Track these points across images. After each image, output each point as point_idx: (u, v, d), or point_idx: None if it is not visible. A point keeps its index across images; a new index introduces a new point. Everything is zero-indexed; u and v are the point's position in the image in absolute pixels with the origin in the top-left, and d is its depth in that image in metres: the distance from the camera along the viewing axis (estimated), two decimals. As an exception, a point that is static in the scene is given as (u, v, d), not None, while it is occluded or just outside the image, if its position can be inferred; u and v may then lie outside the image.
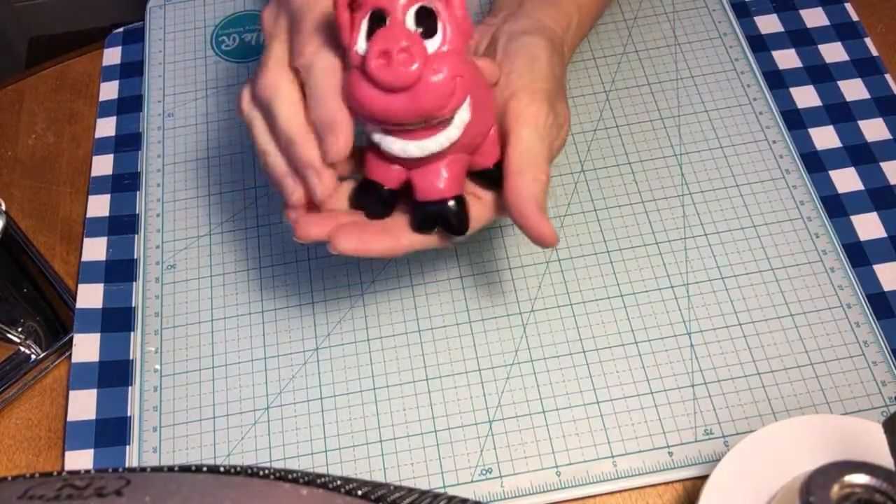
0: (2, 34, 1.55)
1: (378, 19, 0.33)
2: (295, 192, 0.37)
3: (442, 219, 0.37)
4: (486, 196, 0.39)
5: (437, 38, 0.33)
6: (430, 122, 0.34)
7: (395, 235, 0.37)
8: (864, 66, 0.55)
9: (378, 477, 0.43)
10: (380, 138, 0.35)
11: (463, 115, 0.34)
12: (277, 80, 0.37)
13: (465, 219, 0.37)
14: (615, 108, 0.54)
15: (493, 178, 0.38)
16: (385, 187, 0.37)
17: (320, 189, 0.36)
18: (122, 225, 0.52)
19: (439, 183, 0.36)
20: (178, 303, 0.49)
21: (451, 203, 0.36)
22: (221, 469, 0.25)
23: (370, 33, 0.33)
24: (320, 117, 0.35)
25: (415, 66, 0.31)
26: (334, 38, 0.36)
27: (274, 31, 0.38)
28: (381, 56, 0.32)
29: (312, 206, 0.38)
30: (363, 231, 0.37)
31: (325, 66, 0.36)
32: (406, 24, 0.32)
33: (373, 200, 0.38)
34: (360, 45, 0.33)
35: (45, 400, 0.47)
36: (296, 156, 0.37)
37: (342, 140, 0.35)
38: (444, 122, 0.34)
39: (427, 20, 0.33)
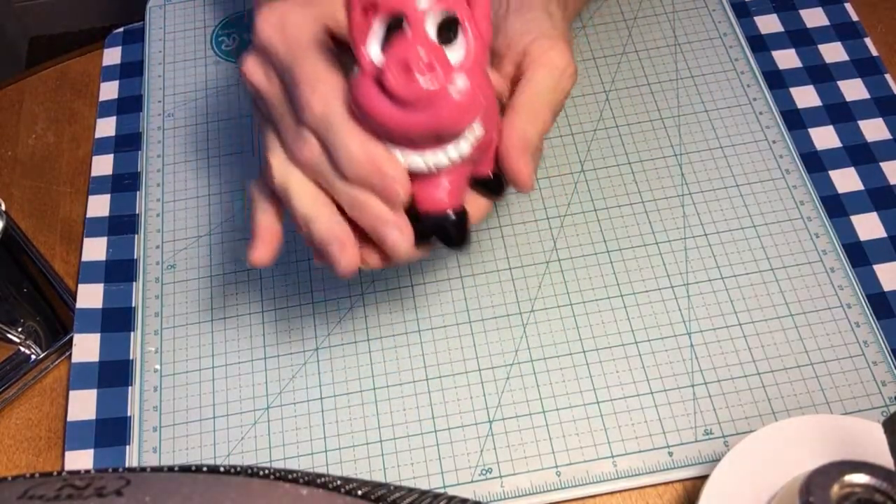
0: (2, 34, 1.55)
1: (396, 25, 0.30)
2: (344, 256, 0.34)
3: (441, 231, 0.35)
4: (482, 200, 0.37)
5: (459, 47, 0.31)
6: (442, 137, 0.32)
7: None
8: (864, 66, 0.55)
9: (378, 477, 0.43)
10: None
11: (476, 130, 0.32)
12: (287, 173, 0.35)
13: (465, 232, 0.35)
14: (615, 108, 0.54)
15: (491, 187, 0.37)
16: None
17: (406, 242, 0.34)
18: (122, 225, 0.52)
19: (441, 195, 0.33)
20: (178, 303, 0.49)
21: (452, 215, 0.34)
22: (221, 469, 0.25)
23: (386, 39, 0.30)
24: (367, 171, 0.33)
25: (436, 82, 0.29)
26: (337, 80, 0.33)
27: (271, 90, 0.36)
28: (401, 69, 0.29)
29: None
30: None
31: (344, 121, 0.33)
32: (427, 33, 0.30)
33: None
34: (374, 51, 0.30)
35: (45, 400, 0.47)
36: (367, 213, 0.34)
37: (401, 181, 0.33)
38: (456, 136, 0.32)
39: (449, 28, 0.30)
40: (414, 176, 0.33)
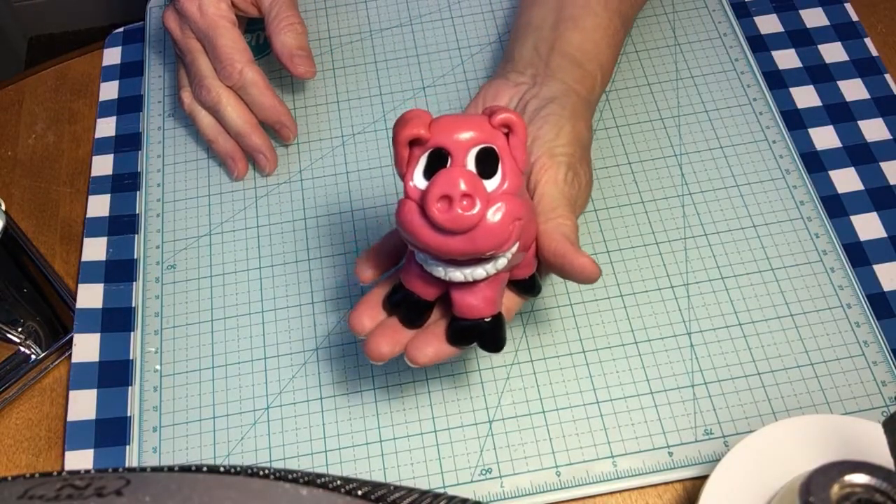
0: (2, 34, 1.55)
1: (439, 157, 0.32)
2: (235, 169, 0.52)
3: (478, 335, 0.36)
4: (516, 298, 0.40)
5: (497, 178, 0.33)
6: (480, 258, 0.34)
7: (437, 343, 0.37)
8: (864, 66, 0.55)
9: (378, 477, 0.43)
10: (424, 259, 0.35)
11: (512, 248, 0.34)
12: (219, 92, 0.50)
13: (501, 337, 0.37)
14: (615, 108, 0.54)
15: (526, 287, 0.39)
16: (422, 299, 0.37)
17: (269, 166, 0.52)
18: (122, 225, 0.52)
19: (478, 302, 0.35)
20: (178, 303, 0.49)
21: (489, 321, 0.36)
22: (221, 469, 0.25)
23: (429, 168, 0.32)
24: (270, 117, 0.52)
25: (475, 211, 0.31)
26: (244, 48, 0.50)
27: (187, 44, 0.51)
28: (443, 200, 0.31)
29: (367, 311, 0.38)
30: (417, 338, 0.37)
31: (255, 82, 0.50)
32: (466, 165, 0.32)
33: (410, 310, 0.37)
34: (418, 179, 0.33)
35: (45, 400, 0.47)
36: (247, 144, 0.51)
37: (294, 128, 0.53)
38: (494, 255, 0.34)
39: (487, 160, 0.32)
40: (454, 284, 0.35)
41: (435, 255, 0.34)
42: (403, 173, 0.33)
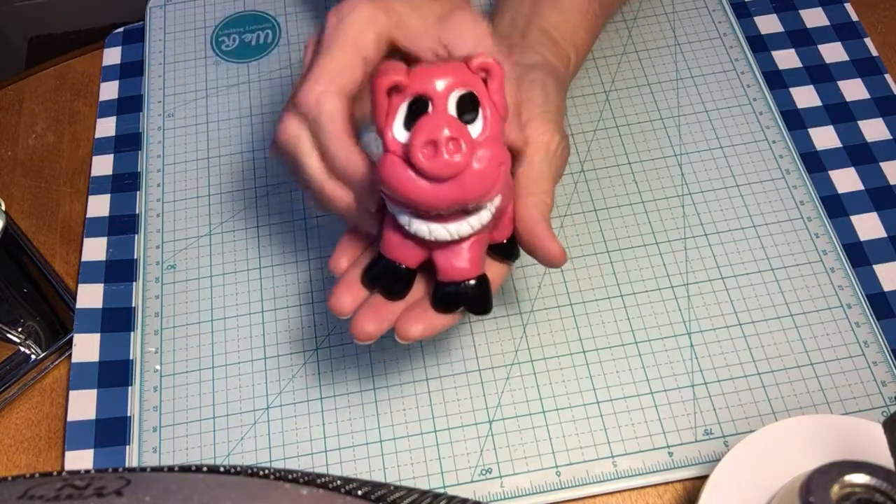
0: (2, 34, 1.55)
1: (419, 105, 0.32)
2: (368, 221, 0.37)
3: (464, 299, 0.35)
4: (500, 265, 0.39)
5: (478, 123, 0.32)
6: (467, 208, 0.33)
7: (427, 316, 0.36)
8: (864, 66, 0.55)
9: (378, 477, 0.43)
10: (407, 220, 0.34)
11: (496, 199, 0.34)
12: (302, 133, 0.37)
13: (488, 298, 0.36)
14: (615, 108, 0.54)
15: (505, 251, 0.38)
16: (404, 267, 0.36)
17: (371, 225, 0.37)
18: (122, 225, 0.52)
19: (462, 263, 0.35)
20: (178, 303, 0.49)
21: (474, 282, 0.35)
22: (221, 469, 0.25)
23: (410, 119, 0.32)
24: (344, 169, 0.36)
25: (462, 156, 0.31)
26: (346, 79, 0.36)
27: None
28: (428, 146, 0.31)
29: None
30: (407, 314, 0.36)
31: (332, 113, 0.35)
32: (448, 110, 0.32)
33: (392, 281, 0.36)
34: (398, 131, 0.32)
35: (45, 400, 0.47)
36: (333, 205, 0.37)
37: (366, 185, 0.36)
38: (478, 206, 0.33)
39: (468, 105, 0.32)
40: (436, 247, 0.35)
41: (419, 211, 0.33)
42: (382, 126, 0.32)
